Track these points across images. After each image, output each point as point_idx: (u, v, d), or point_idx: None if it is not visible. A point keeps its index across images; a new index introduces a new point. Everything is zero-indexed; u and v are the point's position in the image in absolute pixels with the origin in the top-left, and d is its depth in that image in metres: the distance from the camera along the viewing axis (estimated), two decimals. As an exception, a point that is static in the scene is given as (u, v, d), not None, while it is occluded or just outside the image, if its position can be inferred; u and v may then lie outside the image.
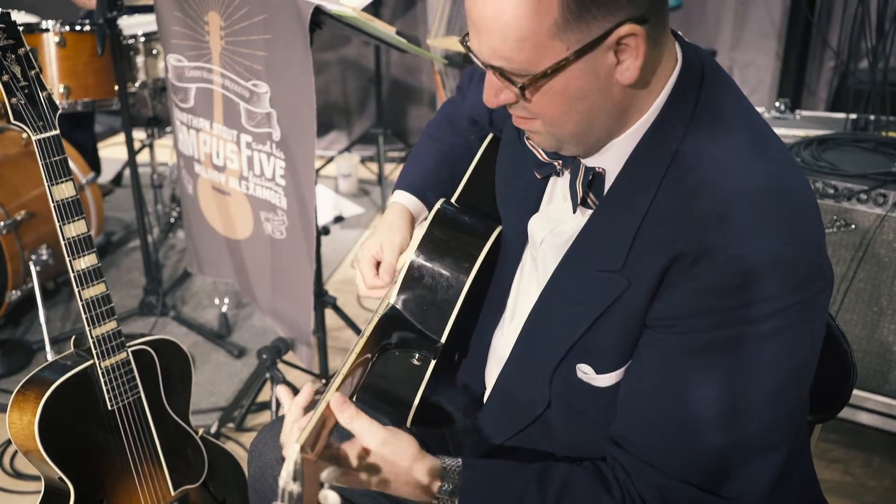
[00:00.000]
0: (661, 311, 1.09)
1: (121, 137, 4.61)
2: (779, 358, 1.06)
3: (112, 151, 4.48)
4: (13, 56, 1.60)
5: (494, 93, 1.11)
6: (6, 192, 2.85)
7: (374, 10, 3.87)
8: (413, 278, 1.37)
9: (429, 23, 4.25)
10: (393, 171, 4.54)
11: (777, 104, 2.74)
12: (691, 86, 1.12)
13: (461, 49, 2.36)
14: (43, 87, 1.62)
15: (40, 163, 1.59)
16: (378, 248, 1.48)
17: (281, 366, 2.41)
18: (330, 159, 4.66)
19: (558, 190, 1.27)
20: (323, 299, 2.65)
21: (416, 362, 1.37)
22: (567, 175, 1.21)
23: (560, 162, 1.21)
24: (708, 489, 1.10)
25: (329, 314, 2.81)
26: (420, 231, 1.43)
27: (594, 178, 1.16)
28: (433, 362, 1.36)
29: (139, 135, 3.68)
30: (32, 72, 1.61)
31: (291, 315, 2.39)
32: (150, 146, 3.66)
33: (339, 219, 3.97)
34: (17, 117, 1.58)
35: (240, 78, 2.18)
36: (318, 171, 4.46)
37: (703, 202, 1.06)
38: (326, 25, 2.10)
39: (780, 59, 4.13)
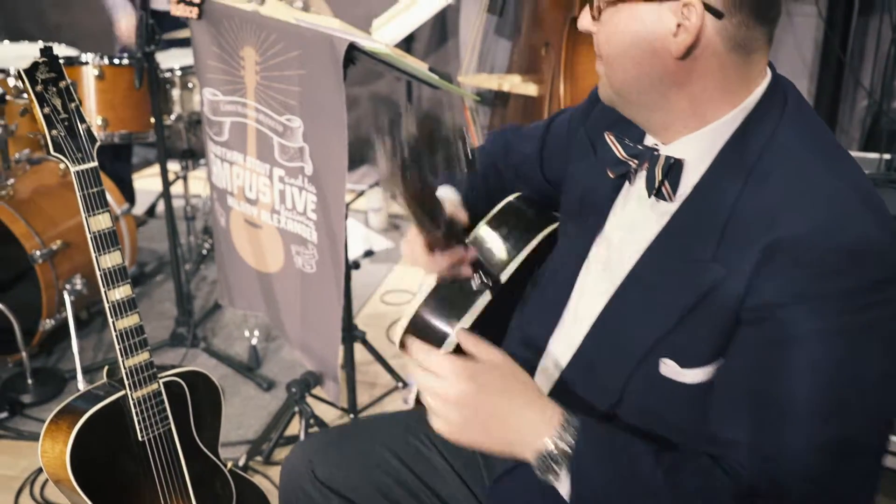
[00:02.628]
0: (759, 299, 1.09)
1: (155, 169, 4.68)
2: (885, 350, 1.07)
3: (146, 183, 4.54)
4: (55, 89, 1.63)
5: (584, 15, 1.23)
6: (43, 221, 2.89)
7: (406, 45, 3.90)
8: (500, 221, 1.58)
9: (461, 60, 4.28)
10: (423, 205, 4.55)
11: (810, 143, 2.73)
12: (777, 103, 1.18)
13: (492, 86, 2.39)
14: (83, 120, 1.65)
15: (78, 194, 1.62)
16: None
17: (310, 399, 2.41)
18: (361, 193, 4.68)
19: (633, 194, 1.30)
20: (352, 333, 2.65)
21: (474, 286, 1.51)
22: (642, 176, 1.25)
23: (636, 161, 1.25)
24: (817, 484, 1.09)
25: (358, 348, 2.81)
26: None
27: (672, 167, 1.20)
28: (487, 296, 1.51)
29: (174, 167, 3.72)
30: (73, 105, 1.65)
31: (319, 349, 2.40)
32: (185, 178, 3.70)
33: (368, 253, 3.98)
34: (57, 149, 1.61)
35: (274, 112, 2.21)
36: (348, 204, 4.49)
37: (795, 190, 1.11)
38: (360, 61, 2.13)
39: (812, 98, 4.12)
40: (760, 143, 1.15)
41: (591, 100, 1.48)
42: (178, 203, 3.63)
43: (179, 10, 2.29)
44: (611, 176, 1.30)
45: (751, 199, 1.13)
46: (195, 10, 2.27)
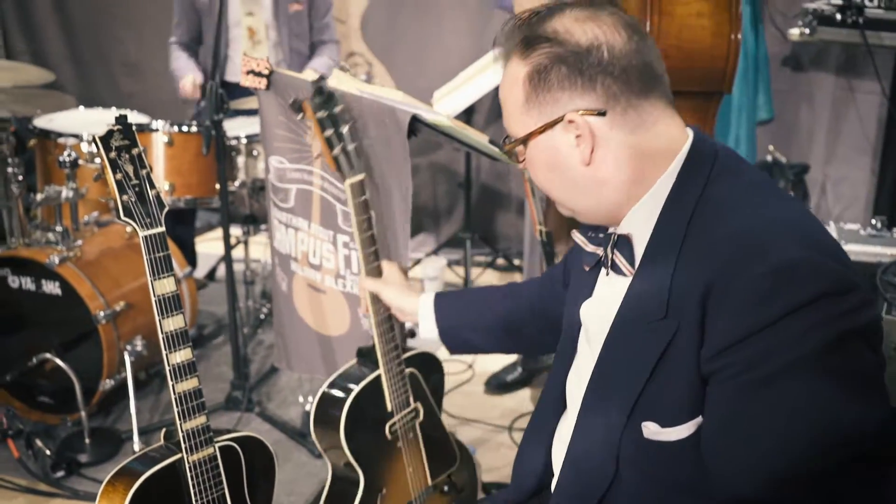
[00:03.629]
0: (711, 347, 1.16)
1: (216, 233, 4.76)
2: (844, 366, 1.11)
3: (207, 246, 4.62)
4: (127, 156, 1.68)
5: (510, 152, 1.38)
6: (108, 282, 2.95)
7: (466, 117, 3.96)
8: None
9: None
10: (479, 275, 4.57)
11: (873, 221, 2.69)
12: (704, 160, 1.27)
13: None
14: (152, 186, 1.69)
15: (145, 258, 1.65)
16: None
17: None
18: (417, 261, 4.71)
19: (603, 277, 1.41)
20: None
21: None
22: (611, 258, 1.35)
23: (602, 249, 1.36)
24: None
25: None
26: None
27: (619, 241, 1.31)
28: None
29: (235, 231, 3.79)
30: (144, 171, 1.69)
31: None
32: (246, 243, 3.76)
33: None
34: (127, 214, 1.65)
35: (337, 181, 2.25)
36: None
37: (724, 233, 1.19)
38: (421, 132, 2.16)
39: (876, 175, 4.07)
40: (693, 201, 1.25)
41: None
42: (238, 267, 3.68)
43: (249, 81, 2.35)
44: (586, 269, 1.42)
45: (688, 254, 1.22)
46: (264, 82, 2.33)
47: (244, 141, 3.40)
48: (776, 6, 4.09)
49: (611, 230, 1.35)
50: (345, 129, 2.04)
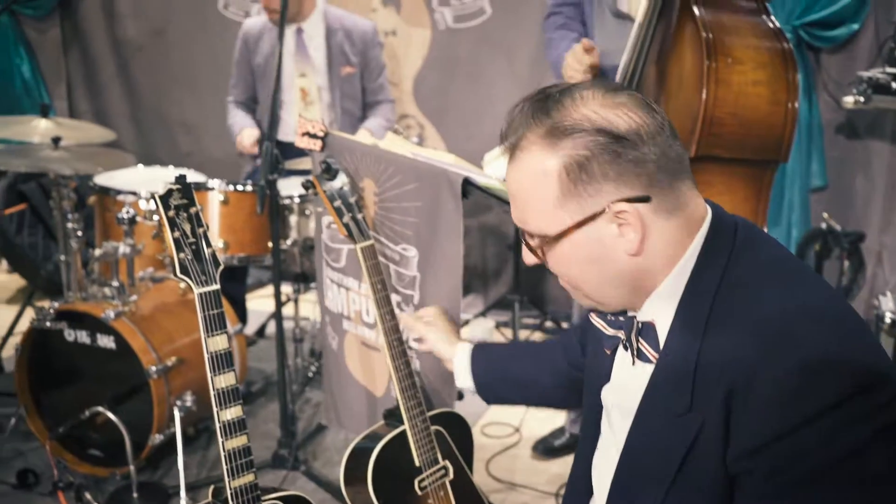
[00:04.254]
0: (737, 447, 1.12)
1: (266, 290, 4.82)
2: (877, 467, 1.06)
3: (257, 303, 4.66)
4: (185, 214, 1.72)
5: (525, 252, 1.31)
6: (160, 337, 2.99)
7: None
8: None
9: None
10: (527, 337, 4.54)
11: (933, 291, 2.63)
12: (725, 238, 1.24)
13: None
14: (209, 245, 1.72)
15: (199, 315, 1.68)
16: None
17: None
18: (465, 322, 4.71)
19: (625, 361, 1.36)
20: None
21: None
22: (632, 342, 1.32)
23: (623, 332, 1.32)
24: None
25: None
26: None
27: (643, 328, 1.27)
28: None
29: (286, 289, 3.83)
30: (200, 230, 1.73)
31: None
32: (296, 301, 3.79)
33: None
34: (183, 272, 1.69)
35: (390, 242, 2.27)
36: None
37: (747, 323, 1.15)
38: (472, 194, 2.18)
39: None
40: (713, 285, 1.21)
41: None
42: (287, 325, 3.71)
43: (304, 143, 2.40)
44: (607, 353, 1.39)
45: (712, 345, 1.18)
46: (319, 143, 2.37)
47: (297, 200, 3.45)
48: (830, 74, 4.08)
49: (630, 314, 1.31)
50: (353, 200, 2.20)
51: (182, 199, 1.72)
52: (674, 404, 1.21)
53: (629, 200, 1.18)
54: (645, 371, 1.29)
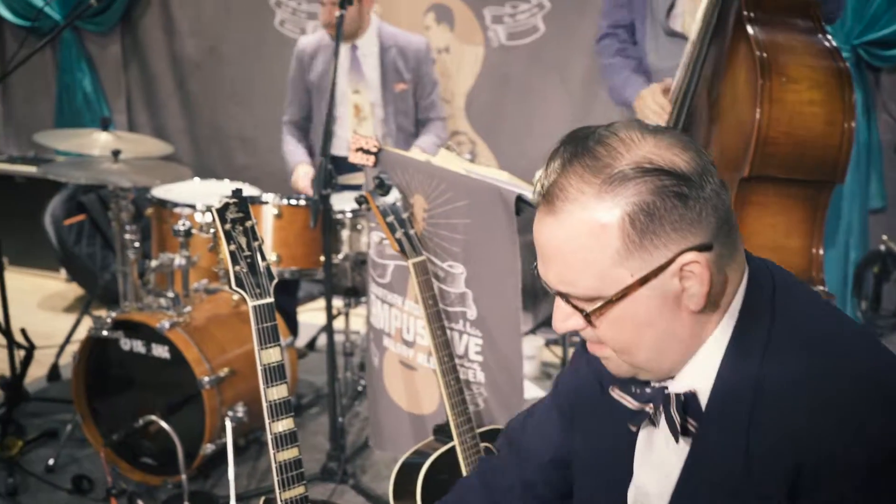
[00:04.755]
0: None
1: (317, 303, 4.85)
2: None
3: (308, 316, 4.70)
4: (241, 228, 1.74)
5: (563, 318, 1.14)
6: (214, 348, 3.04)
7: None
8: None
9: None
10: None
11: None
12: (764, 292, 1.13)
13: None
14: (263, 258, 1.74)
15: (253, 328, 1.70)
16: None
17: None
18: (514, 339, 4.69)
19: (658, 435, 1.21)
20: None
21: None
22: (663, 414, 1.16)
23: (651, 405, 1.17)
24: None
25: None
26: None
27: (688, 401, 1.14)
28: None
29: (337, 303, 3.85)
30: (256, 243, 1.75)
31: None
32: (346, 315, 3.82)
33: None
34: (238, 284, 1.71)
35: (436, 258, 2.28)
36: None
37: (804, 393, 1.05)
38: (525, 212, 2.19)
39: None
40: (760, 347, 1.09)
41: (580, 352, 1.38)
42: (338, 338, 3.74)
43: (357, 158, 2.43)
44: (633, 429, 1.22)
45: (763, 414, 1.07)
46: (372, 159, 2.40)
47: (349, 215, 3.48)
48: (890, 94, 4.02)
49: (661, 384, 1.17)
50: (405, 216, 2.21)
51: (238, 212, 1.74)
52: (723, 482, 1.09)
53: (697, 249, 1.06)
54: (679, 445, 1.16)
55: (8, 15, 5.51)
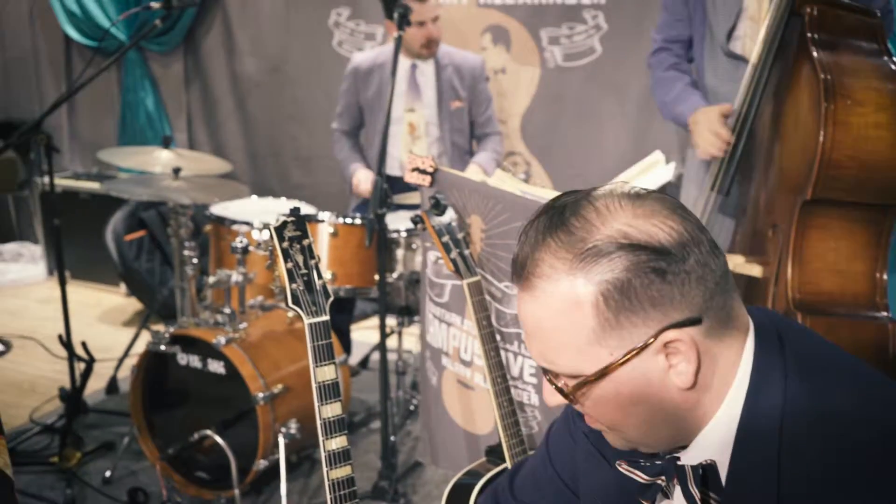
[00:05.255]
0: None
1: (370, 322, 4.87)
2: None
3: (361, 334, 4.72)
4: (298, 246, 1.76)
5: (550, 392, 1.11)
6: (268, 365, 3.06)
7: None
8: None
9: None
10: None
11: None
12: (772, 349, 1.07)
13: (740, 270, 2.39)
14: (320, 276, 1.76)
15: (309, 345, 1.71)
16: None
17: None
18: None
19: None
20: None
21: None
22: (677, 486, 1.11)
23: (663, 478, 1.12)
24: None
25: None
26: None
27: (706, 473, 1.08)
28: None
29: (390, 322, 3.86)
30: (312, 261, 1.76)
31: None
32: (399, 333, 3.83)
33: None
34: (295, 302, 1.72)
35: (494, 278, 2.28)
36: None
37: (833, 460, 1.00)
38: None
39: None
40: (777, 410, 1.03)
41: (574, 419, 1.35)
42: (391, 357, 3.74)
43: (413, 178, 2.43)
44: None
45: (793, 475, 1.01)
46: (428, 179, 2.40)
47: (403, 234, 3.49)
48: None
49: (675, 456, 1.12)
50: (460, 236, 2.21)
51: (296, 230, 1.76)
52: None
53: (679, 326, 1.01)
54: None
55: (76, 35, 5.65)
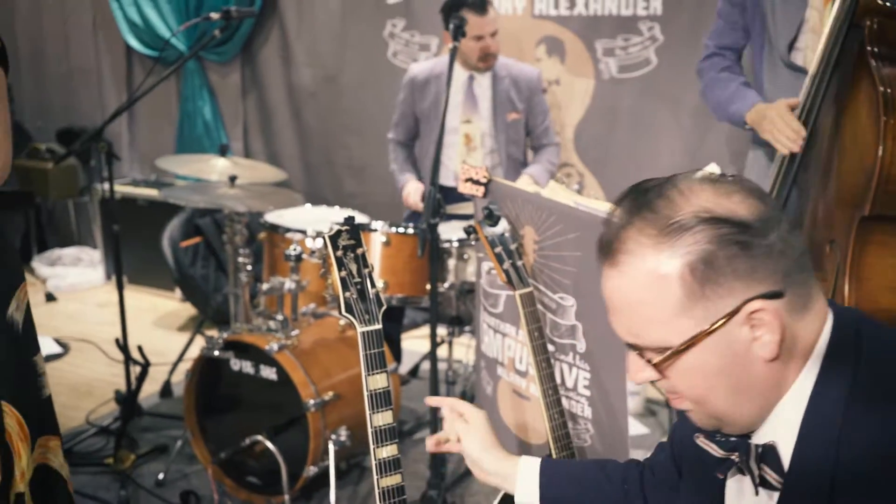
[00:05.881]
0: None
1: (421, 331, 4.88)
2: None
3: (411, 343, 4.74)
4: (352, 255, 1.77)
5: (636, 369, 1.16)
6: (319, 372, 3.09)
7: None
8: None
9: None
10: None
11: None
12: (847, 341, 1.10)
13: None
14: (373, 285, 1.77)
15: (361, 353, 1.71)
16: None
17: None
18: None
19: (747, 485, 1.19)
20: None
21: None
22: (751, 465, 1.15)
23: (737, 454, 1.16)
24: None
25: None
26: None
27: (765, 453, 1.13)
28: None
29: (441, 331, 3.87)
30: (366, 270, 1.77)
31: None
32: (450, 343, 3.84)
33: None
34: (348, 310, 1.73)
35: (548, 290, 2.27)
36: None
37: (884, 476, 1.02)
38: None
39: None
40: (840, 408, 1.06)
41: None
42: (441, 366, 3.75)
43: (467, 189, 2.44)
44: (720, 477, 1.21)
45: (847, 469, 1.04)
46: (482, 190, 2.41)
47: (455, 244, 3.50)
48: None
49: (746, 435, 1.17)
50: (513, 247, 2.20)
51: (349, 239, 1.77)
52: None
53: (764, 297, 1.05)
54: (771, 499, 1.14)
55: (137, 45, 5.77)
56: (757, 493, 1.15)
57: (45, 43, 6.28)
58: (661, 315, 1.08)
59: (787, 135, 2.41)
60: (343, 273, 1.75)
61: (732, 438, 1.17)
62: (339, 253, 1.76)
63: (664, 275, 1.07)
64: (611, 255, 1.12)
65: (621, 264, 1.10)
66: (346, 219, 1.80)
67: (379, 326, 1.73)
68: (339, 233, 1.77)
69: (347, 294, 1.74)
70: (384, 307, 1.76)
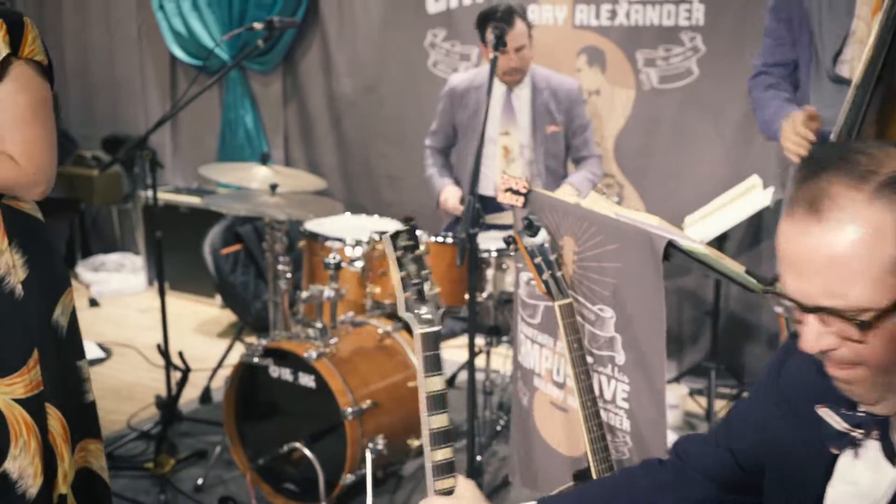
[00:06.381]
0: None
1: (458, 340, 4.87)
2: None
3: (448, 353, 4.73)
4: (410, 256, 1.77)
5: (815, 337, 1.08)
6: (357, 380, 3.10)
7: (718, 244, 3.87)
8: None
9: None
10: (723, 408, 4.37)
11: None
12: None
13: None
14: (432, 287, 1.76)
15: (420, 355, 1.70)
16: None
17: None
18: (656, 387, 4.59)
19: (863, 463, 1.16)
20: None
21: None
22: (870, 444, 1.13)
23: (862, 430, 1.14)
24: None
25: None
26: None
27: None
28: None
29: (479, 341, 3.87)
30: (424, 272, 1.76)
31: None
32: (488, 353, 3.83)
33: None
34: (408, 311, 1.73)
35: (587, 301, 2.26)
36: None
37: None
38: (674, 257, 2.14)
39: None
40: None
41: (771, 375, 1.36)
42: (478, 376, 3.74)
43: (506, 199, 2.44)
44: (834, 452, 1.18)
45: None
46: (521, 200, 2.41)
47: (494, 255, 3.50)
48: None
49: (871, 409, 1.14)
50: (553, 257, 2.19)
51: (409, 240, 1.76)
52: None
53: None
54: (884, 470, 1.13)
55: (181, 55, 5.84)
56: (894, 465, 1.11)
57: (92, 54, 6.39)
58: (870, 272, 1.03)
59: (792, 140, 2.42)
60: (402, 274, 1.74)
61: (859, 413, 1.14)
62: (399, 253, 1.75)
63: (879, 230, 1.03)
64: (815, 212, 1.06)
65: (829, 220, 1.05)
66: (404, 219, 1.81)
67: (438, 328, 1.72)
68: (398, 233, 1.76)
69: (407, 294, 1.73)
70: (443, 309, 1.75)
